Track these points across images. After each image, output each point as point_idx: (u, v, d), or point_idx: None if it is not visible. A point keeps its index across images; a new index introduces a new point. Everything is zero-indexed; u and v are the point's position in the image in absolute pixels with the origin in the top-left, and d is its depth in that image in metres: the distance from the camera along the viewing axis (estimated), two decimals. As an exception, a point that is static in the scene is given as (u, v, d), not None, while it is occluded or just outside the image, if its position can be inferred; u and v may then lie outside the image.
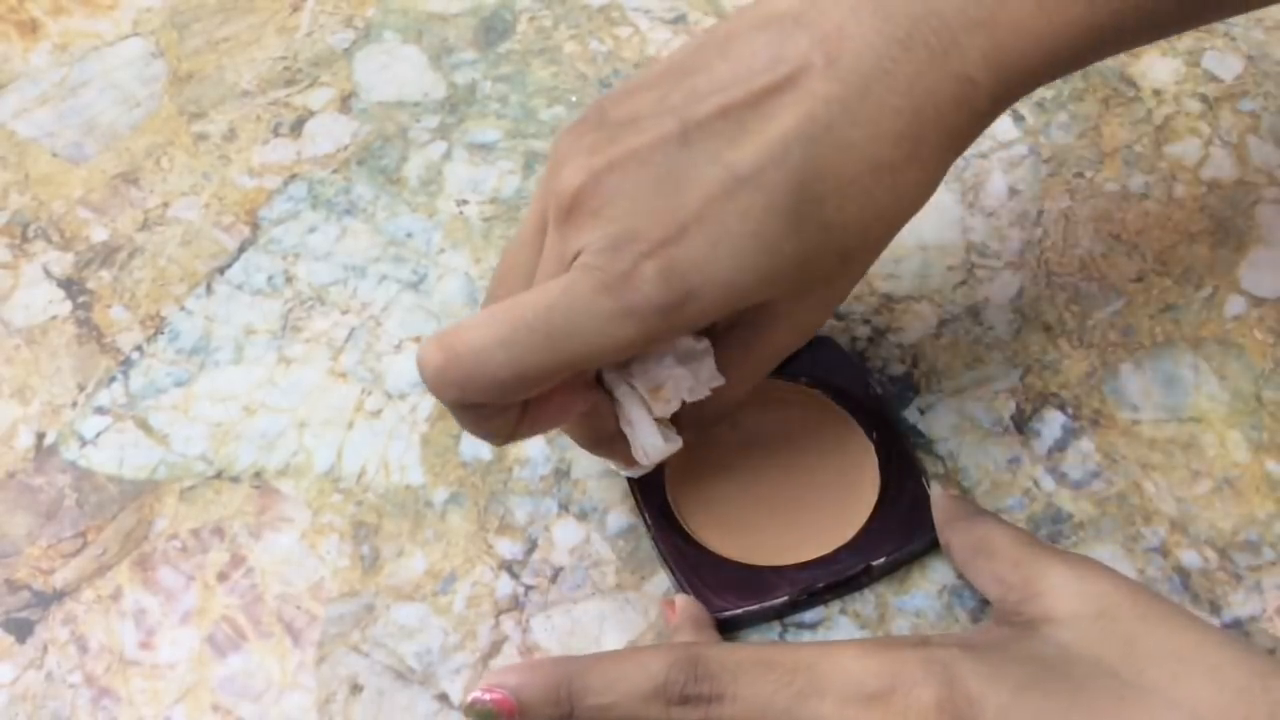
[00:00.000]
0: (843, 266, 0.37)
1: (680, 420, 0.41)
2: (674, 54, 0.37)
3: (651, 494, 0.44)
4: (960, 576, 0.43)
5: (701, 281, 0.33)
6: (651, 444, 0.39)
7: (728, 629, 0.42)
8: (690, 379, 0.38)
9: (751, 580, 0.42)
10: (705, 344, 0.39)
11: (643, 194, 0.34)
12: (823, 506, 0.44)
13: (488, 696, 0.35)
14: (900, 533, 0.42)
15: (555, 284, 0.34)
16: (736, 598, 0.41)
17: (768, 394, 0.46)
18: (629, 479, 0.44)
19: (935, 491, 0.42)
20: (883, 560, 0.42)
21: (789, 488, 0.44)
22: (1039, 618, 0.35)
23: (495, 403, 0.35)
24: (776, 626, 0.42)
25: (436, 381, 0.34)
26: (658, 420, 0.40)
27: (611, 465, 0.44)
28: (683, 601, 0.41)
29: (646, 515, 0.44)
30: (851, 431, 0.45)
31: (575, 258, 0.34)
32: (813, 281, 0.37)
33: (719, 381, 0.39)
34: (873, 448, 0.45)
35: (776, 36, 0.35)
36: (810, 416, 0.46)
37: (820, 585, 0.42)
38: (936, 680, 0.32)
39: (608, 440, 0.40)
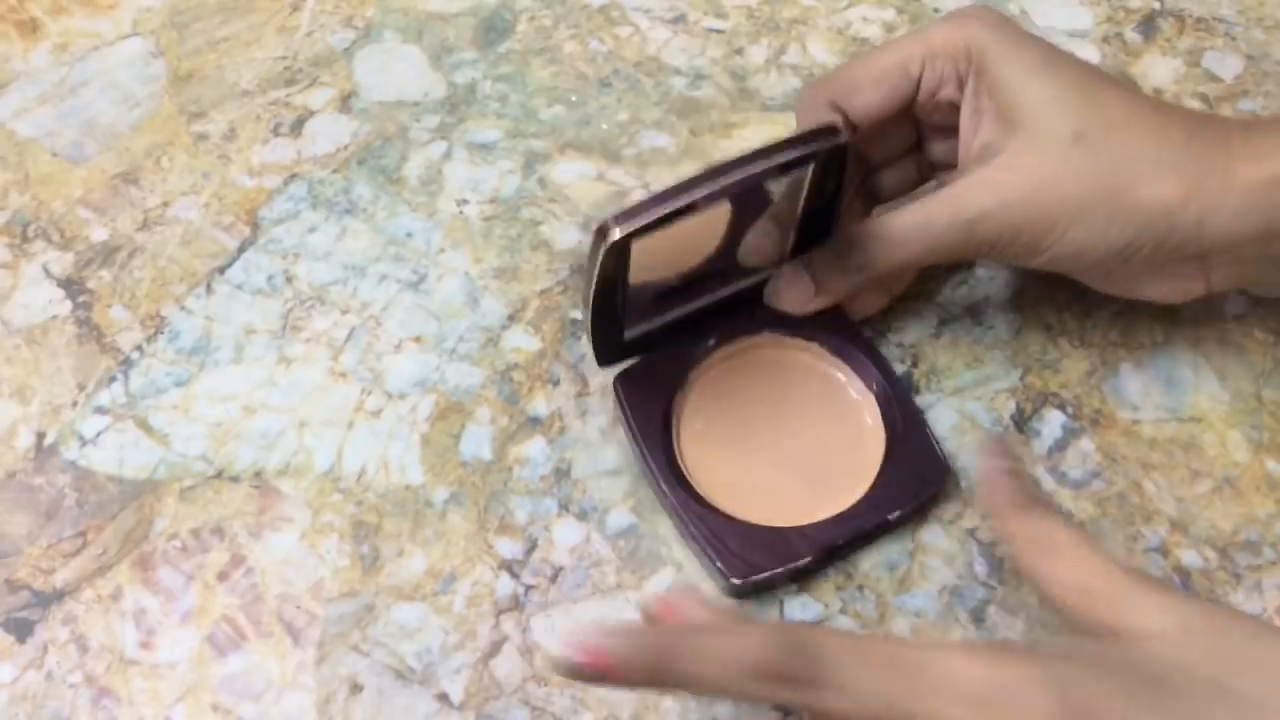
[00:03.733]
0: None
1: None
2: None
3: (663, 459, 0.44)
4: (961, 580, 0.43)
5: None
6: None
7: (754, 593, 0.42)
8: None
9: (774, 542, 0.42)
10: None
11: None
12: (832, 463, 0.44)
13: (581, 656, 0.33)
14: (912, 483, 0.43)
15: None
16: (762, 560, 0.41)
17: (767, 350, 0.46)
18: (637, 444, 0.44)
19: (988, 464, 0.39)
20: (898, 513, 0.42)
21: (797, 446, 0.45)
22: (1124, 630, 0.34)
23: None
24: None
25: None
26: None
27: None
28: (676, 597, 0.37)
29: (664, 485, 0.43)
30: (852, 384, 0.45)
31: None
32: None
33: None
34: (874, 399, 0.45)
35: None
36: (811, 373, 0.46)
37: (841, 542, 0.42)
38: (1049, 692, 0.32)
39: None
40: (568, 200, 0.53)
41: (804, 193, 0.43)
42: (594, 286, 0.41)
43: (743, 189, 0.41)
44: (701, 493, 0.43)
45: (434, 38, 0.59)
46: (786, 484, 0.44)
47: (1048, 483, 0.45)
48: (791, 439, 0.45)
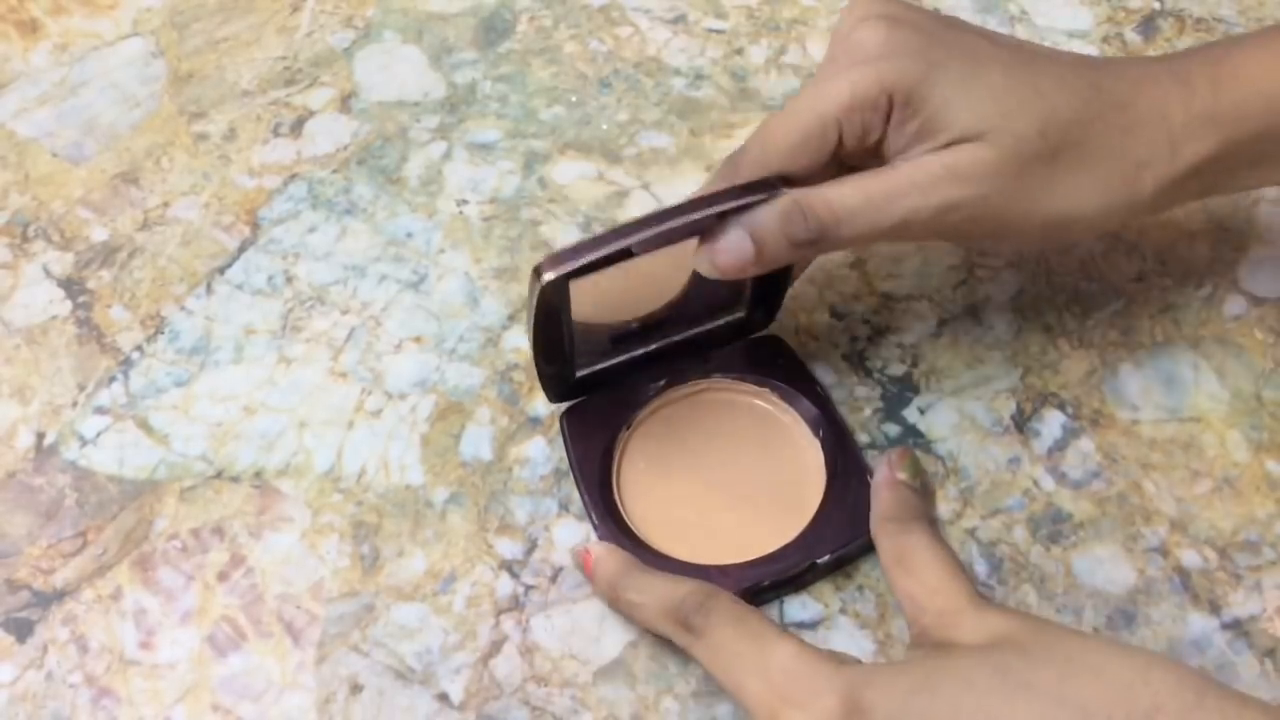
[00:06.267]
0: None
1: None
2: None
3: (599, 493, 0.44)
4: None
5: None
6: None
7: None
8: None
9: (696, 579, 0.41)
10: None
11: None
12: (769, 504, 0.44)
13: (580, 554, 0.43)
14: (844, 530, 0.43)
15: None
16: None
17: (716, 393, 0.47)
18: (575, 478, 0.44)
19: (879, 476, 0.42)
20: (827, 558, 0.42)
21: (736, 486, 0.45)
22: (946, 643, 0.37)
23: None
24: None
25: None
26: None
27: None
28: (599, 552, 0.42)
29: (593, 515, 0.44)
30: (799, 430, 0.45)
31: None
32: None
33: None
34: (819, 445, 0.45)
35: None
36: (757, 417, 0.46)
37: (765, 583, 0.42)
38: (835, 689, 0.35)
39: None
40: (568, 200, 0.53)
41: None
42: (533, 324, 0.41)
43: (680, 236, 0.40)
44: (634, 528, 0.43)
45: (434, 38, 0.59)
46: (721, 524, 0.44)
47: (1047, 483, 0.45)
48: (731, 480, 0.45)
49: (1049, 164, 0.41)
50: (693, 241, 0.41)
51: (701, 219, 0.40)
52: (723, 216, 0.41)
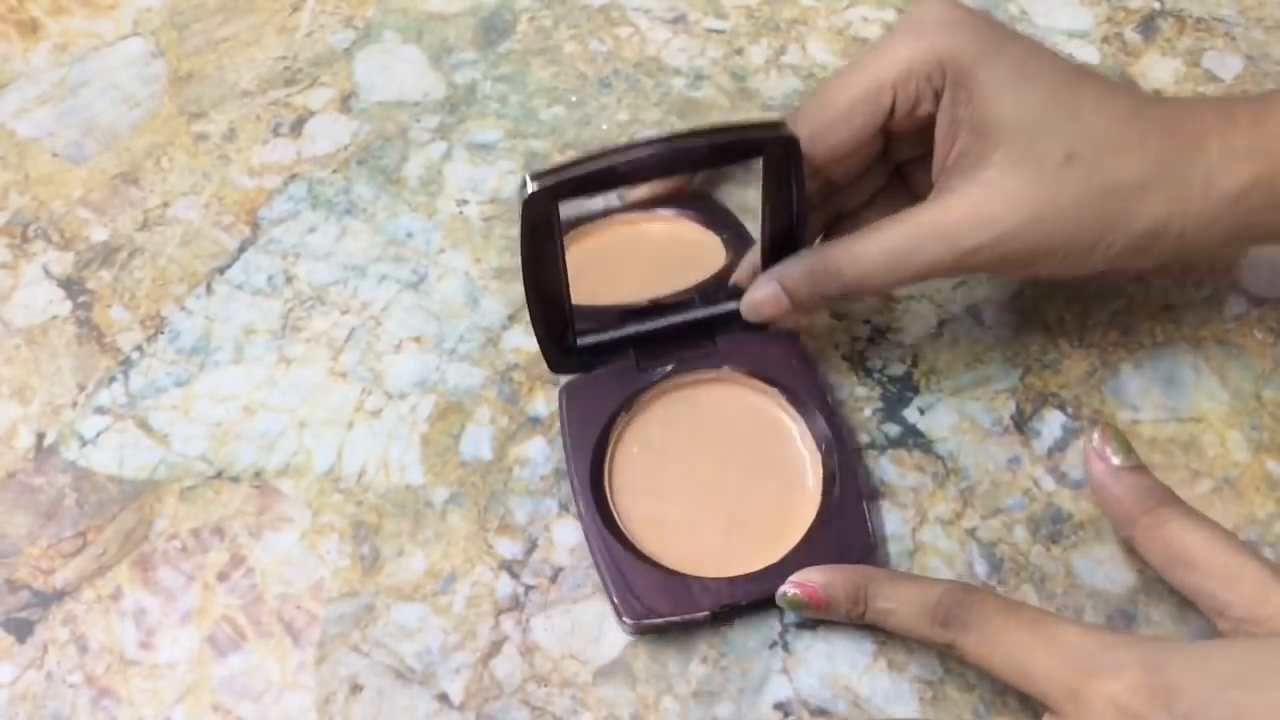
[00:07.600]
0: None
1: None
2: None
3: (591, 492, 0.43)
4: (961, 580, 0.43)
5: None
6: None
7: (648, 634, 0.41)
8: None
9: (676, 589, 0.41)
10: None
11: None
12: (760, 518, 0.43)
13: (800, 591, 0.40)
14: (832, 557, 0.41)
15: None
16: (659, 605, 0.41)
17: (723, 385, 0.46)
18: (570, 472, 0.44)
19: (1096, 472, 0.40)
20: None
21: (728, 488, 0.44)
22: (1259, 622, 0.35)
23: None
24: (777, 627, 0.42)
25: None
26: None
27: None
28: (824, 577, 0.40)
29: (581, 507, 0.43)
30: (803, 438, 0.45)
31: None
32: None
33: None
34: (820, 458, 0.44)
35: None
36: (763, 417, 0.45)
37: (743, 602, 0.41)
38: (1143, 665, 0.34)
39: None
40: (568, 200, 0.53)
41: (761, 197, 0.43)
42: (522, 247, 0.41)
43: (669, 164, 0.41)
44: (620, 521, 0.43)
45: (434, 38, 0.59)
46: (708, 530, 0.43)
47: (1048, 483, 0.45)
48: (725, 481, 0.44)
49: (1074, 191, 0.41)
50: (713, 239, 0.41)
51: (689, 148, 0.41)
52: (720, 150, 0.41)
